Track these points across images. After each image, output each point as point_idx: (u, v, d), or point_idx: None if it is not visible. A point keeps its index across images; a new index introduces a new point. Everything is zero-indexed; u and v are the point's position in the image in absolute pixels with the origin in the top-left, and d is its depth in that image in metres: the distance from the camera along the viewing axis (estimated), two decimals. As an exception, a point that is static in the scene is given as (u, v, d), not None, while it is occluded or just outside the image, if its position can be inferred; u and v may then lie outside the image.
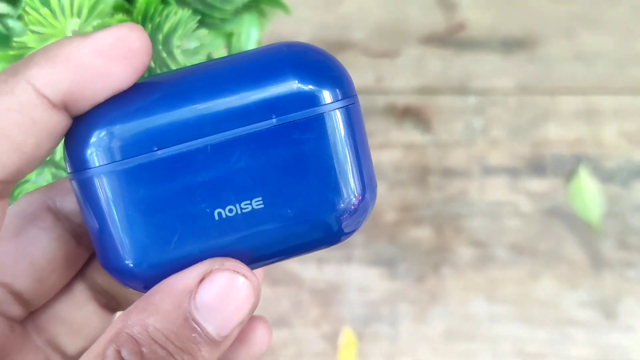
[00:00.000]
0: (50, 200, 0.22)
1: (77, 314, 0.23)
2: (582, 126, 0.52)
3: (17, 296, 0.21)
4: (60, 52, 0.17)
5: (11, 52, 0.25)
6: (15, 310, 0.21)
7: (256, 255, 0.20)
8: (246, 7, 0.31)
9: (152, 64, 0.27)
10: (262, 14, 0.32)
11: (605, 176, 0.51)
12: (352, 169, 0.19)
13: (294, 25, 0.54)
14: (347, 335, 0.48)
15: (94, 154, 0.18)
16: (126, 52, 0.17)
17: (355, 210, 0.20)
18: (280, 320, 0.48)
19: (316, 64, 0.20)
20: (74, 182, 0.19)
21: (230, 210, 0.19)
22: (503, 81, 0.53)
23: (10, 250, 0.21)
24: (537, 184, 0.51)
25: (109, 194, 0.18)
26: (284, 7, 0.32)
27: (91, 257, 0.23)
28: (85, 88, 0.17)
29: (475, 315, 0.48)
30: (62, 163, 0.27)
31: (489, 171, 0.51)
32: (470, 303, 0.49)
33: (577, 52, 0.54)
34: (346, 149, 0.19)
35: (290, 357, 0.48)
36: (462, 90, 0.53)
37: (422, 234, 0.50)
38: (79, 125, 0.19)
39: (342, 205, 0.20)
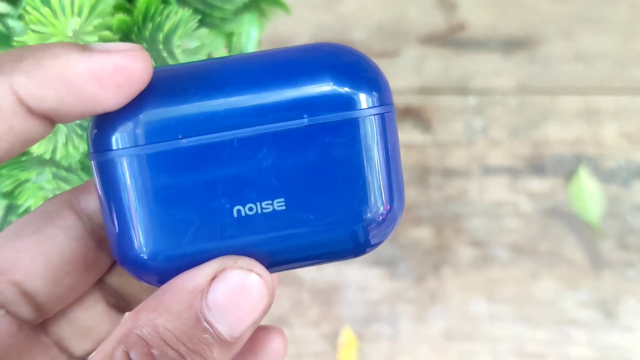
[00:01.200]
0: (75, 198, 0.21)
1: (86, 315, 0.22)
2: (582, 126, 0.52)
3: (30, 298, 0.21)
4: (53, 65, 0.16)
5: (11, 52, 0.25)
6: (27, 313, 0.21)
7: (275, 260, 0.19)
8: (246, 7, 0.31)
9: (153, 64, 0.27)
10: (262, 13, 0.32)
11: (605, 176, 0.51)
12: (381, 178, 0.19)
13: (294, 25, 0.54)
14: (347, 335, 0.48)
15: (117, 136, 0.18)
16: (123, 81, 0.16)
17: (383, 220, 0.19)
18: (280, 320, 0.48)
19: (355, 67, 0.19)
20: (93, 163, 0.19)
21: (251, 209, 0.18)
22: (503, 81, 0.53)
23: (26, 248, 0.20)
24: (537, 184, 0.51)
25: (128, 178, 0.18)
26: (284, 7, 0.32)
27: None
28: (72, 107, 0.17)
29: (475, 315, 0.48)
30: (62, 162, 0.27)
31: (489, 171, 0.51)
32: (470, 303, 0.49)
33: (577, 52, 0.54)
34: (378, 157, 0.19)
35: (290, 357, 0.48)
36: (462, 90, 0.53)
37: (422, 234, 0.50)
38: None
39: (369, 215, 0.19)
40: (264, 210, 0.18)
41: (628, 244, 0.49)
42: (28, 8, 0.24)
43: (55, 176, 0.28)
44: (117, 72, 0.16)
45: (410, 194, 0.51)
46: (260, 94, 0.18)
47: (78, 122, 0.27)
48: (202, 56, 0.28)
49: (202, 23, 0.28)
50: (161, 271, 0.19)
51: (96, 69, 0.16)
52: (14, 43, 0.25)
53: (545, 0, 0.56)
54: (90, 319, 0.23)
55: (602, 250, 0.49)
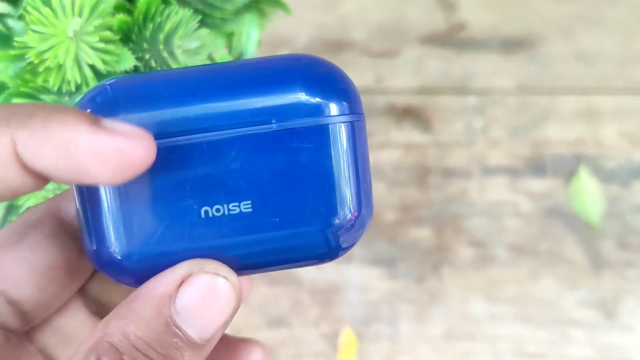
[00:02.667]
0: (56, 206, 0.21)
1: (69, 323, 0.23)
2: (582, 126, 0.52)
3: (16, 307, 0.21)
4: (59, 132, 0.16)
5: (12, 52, 0.25)
6: (14, 322, 0.21)
7: (244, 263, 0.19)
8: (247, 7, 0.31)
9: (154, 64, 0.27)
10: (262, 13, 0.32)
11: (605, 176, 0.51)
12: (349, 184, 0.19)
13: (294, 25, 0.54)
14: (347, 335, 0.48)
15: None
16: (122, 163, 0.16)
17: (352, 226, 0.19)
18: (280, 320, 0.48)
19: (325, 76, 0.19)
20: None
21: (218, 210, 0.19)
22: (503, 81, 0.53)
23: (10, 257, 0.20)
24: (537, 184, 0.51)
25: None
26: (284, 7, 0.32)
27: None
28: (65, 174, 0.17)
29: (475, 315, 0.48)
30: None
31: (489, 171, 0.51)
32: (470, 303, 0.49)
33: (577, 52, 0.54)
34: (346, 163, 0.19)
35: (290, 357, 0.48)
36: (462, 90, 0.53)
37: (422, 234, 0.50)
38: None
39: (338, 220, 0.19)
40: (231, 212, 0.19)
41: (628, 244, 0.49)
42: (28, 8, 0.24)
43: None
44: (117, 154, 0.16)
45: (410, 194, 0.51)
46: (231, 99, 0.19)
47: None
48: (202, 56, 0.28)
49: (202, 23, 0.28)
50: (136, 271, 0.19)
51: (98, 148, 0.16)
52: (15, 43, 0.25)
53: (545, 0, 0.56)
54: (73, 327, 0.23)
55: (602, 250, 0.49)
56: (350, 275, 0.49)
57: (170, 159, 0.18)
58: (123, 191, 0.18)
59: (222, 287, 0.18)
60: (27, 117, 0.16)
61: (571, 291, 0.49)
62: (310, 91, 0.19)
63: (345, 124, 0.19)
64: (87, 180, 0.17)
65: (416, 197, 0.51)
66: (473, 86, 0.53)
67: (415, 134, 0.52)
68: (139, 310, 0.18)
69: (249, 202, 0.19)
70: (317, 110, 0.19)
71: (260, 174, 0.19)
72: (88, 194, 0.19)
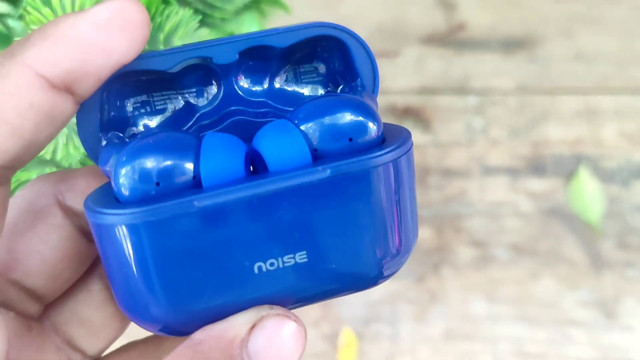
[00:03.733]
0: (61, 195, 0.21)
1: (96, 315, 0.22)
2: (582, 126, 0.52)
3: (31, 293, 0.21)
4: (57, 30, 0.16)
5: (12, 52, 0.25)
6: (31, 307, 0.21)
7: (292, 301, 0.19)
8: (247, 7, 0.31)
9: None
10: (262, 13, 0.32)
11: (605, 176, 0.51)
12: (400, 219, 0.18)
13: (294, 25, 0.54)
14: (347, 335, 0.48)
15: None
16: (124, 24, 0.17)
17: (398, 252, 0.19)
18: (280, 320, 0.48)
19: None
20: (96, 225, 0.17)
21: (272, 264, 0.18)
22: (503, 81, 0.53)
23: (21, 249, 0.20)
24: (537, 184, 0.51)
25: (138, 243, 0.17)
26: (284, 7, 0.32)
27: None
28: (87, 65, 0.17)
29: (475, 315, 0.48)
30: (63, 163, 0.27)
31: (489, 171, 0.51)
32: (470, 303, 0.48)
33: (577, 52, 0.54)
34: (396, 200, 0.18)
35: (290, 357, 0.48)
36: (462, 90, 0.53)
37: (422, 234, 0.50)
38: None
39: (388, 254, 0.19)
40: (286, 264, 0.18)
41: (628, 244, 0.49)
42: (29, 8, 0.24)
43: (56, 176, 0.28)
44: (115, 15, 0.17)
45: (410, 194, 0.51)
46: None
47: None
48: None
49: (202, 23, 0.28)
50: (168, 323, 0.18)
51: (96, 19, 0.17)
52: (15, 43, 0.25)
53: (545, 0, 0.56)
54: (100, 319, 0.23)
55: (602, 250, 0.49)
56: (350, 275, 0.49)
57: (216, 217, 0.17)
58: (170, 252, 0.17)
59: (293, 331, 0.18)
60: (25, 40, 0.17)
61: (571, 291, 0.49)
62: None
63: (394, 161, 0.18)
64: (107, 60, 0.17)
65: (416, 197, 0.51)
66: (473, 86, 0.53)
67: (416, 134, 0.52)
68: (208, 352, 0.17)
69: (304, 252, 0.18)
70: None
71: (313, 222, 0.18)
72: (124, 255, 0.17)
